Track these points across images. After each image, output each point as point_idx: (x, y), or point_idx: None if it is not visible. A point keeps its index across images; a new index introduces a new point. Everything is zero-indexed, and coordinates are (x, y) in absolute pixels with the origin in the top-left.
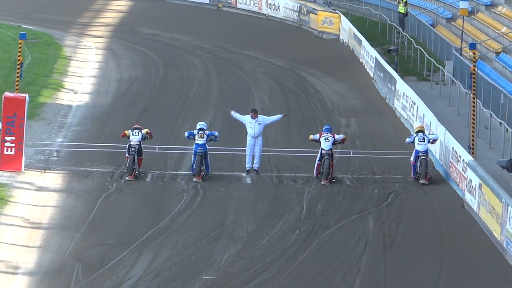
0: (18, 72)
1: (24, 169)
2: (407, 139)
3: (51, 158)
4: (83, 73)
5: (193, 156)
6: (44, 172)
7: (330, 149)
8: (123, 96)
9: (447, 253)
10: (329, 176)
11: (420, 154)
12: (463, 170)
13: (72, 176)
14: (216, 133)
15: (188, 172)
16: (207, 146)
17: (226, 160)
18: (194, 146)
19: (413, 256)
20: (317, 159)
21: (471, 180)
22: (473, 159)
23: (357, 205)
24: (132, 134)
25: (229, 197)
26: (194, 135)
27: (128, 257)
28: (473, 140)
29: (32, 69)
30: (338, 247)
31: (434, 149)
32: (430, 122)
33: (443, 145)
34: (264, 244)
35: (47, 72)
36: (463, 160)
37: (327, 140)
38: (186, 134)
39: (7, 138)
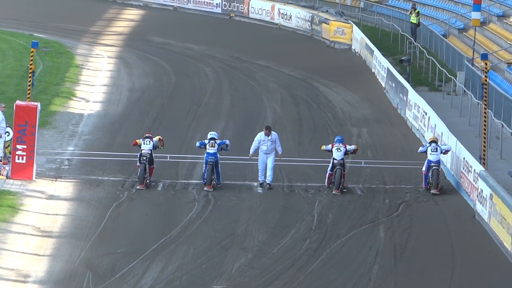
0: (30, 81)
1: (35, 178)
2: (420, 149)
3: (62, 167)
4: (94, 81)
5: (204, 165)
6: (55, 181)
7: (342, 159)
8: (134, 105)
9: (457, 263)
10: (341, 186)
11: (432, 164)
12: (474, 181)
13: (83, 185)
14: (227, 142)
15: (199, 181)
16: (218, 155)
17: (238, 170)
18: (205, 155)
19: (423, 266)
20: (329, 168)
21: (482, 191)
22: (484, 169)
23: (368, 215)
24: (144, 143)
25: (240, 206)
26: (205, 145)
27: (139, 266)
28: (484, 151)
29: (44, 77)
30: (349, 257)
31: (446, 159)
32: (442, 132)
33: (454, 155)
34: (275, 254)
35: (58, 81)
36: (474, 170)
37: (339, 150)
38: (197, 144)
39: (19, 147)
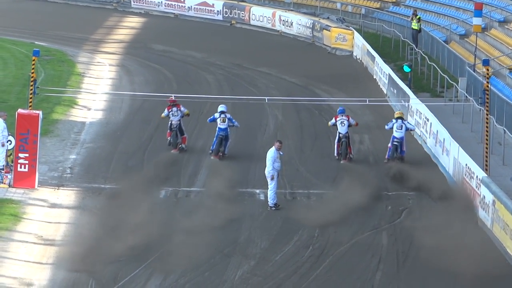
0: (31, 89)
1: (38, 186)
2: (386, 126)
3: (65, 175)
4: (96, 89)
5: (215, 137)
6: (57, 189)
7: (347, 132)
8: (136, 112)
9: (460, 270)
10: (348, 156)
11: (395, 140)
12: (476, 187)
13: (86, 193)
14: (236, 123)
15: (201, 189)
16: (228, 130)
17: (240, 176)
18: (217, 129)
19: (426, 273)
20: (336, 140)
21: (484, 197)
22: (486, 175)
23: (370, 222)
24: (172, 115)
25: (242, 213)
26: (215, 119)
27: (141, 274)
28: (486, 157)
29: (46, 85)
30: (351, 264)
31: (448, 165)
32: (444, 139)
33: (457, 161)
34: (278, 261)
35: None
36: (477, 176)
37: (343, 124)
38: (208, 120)
39: (21, 155)
